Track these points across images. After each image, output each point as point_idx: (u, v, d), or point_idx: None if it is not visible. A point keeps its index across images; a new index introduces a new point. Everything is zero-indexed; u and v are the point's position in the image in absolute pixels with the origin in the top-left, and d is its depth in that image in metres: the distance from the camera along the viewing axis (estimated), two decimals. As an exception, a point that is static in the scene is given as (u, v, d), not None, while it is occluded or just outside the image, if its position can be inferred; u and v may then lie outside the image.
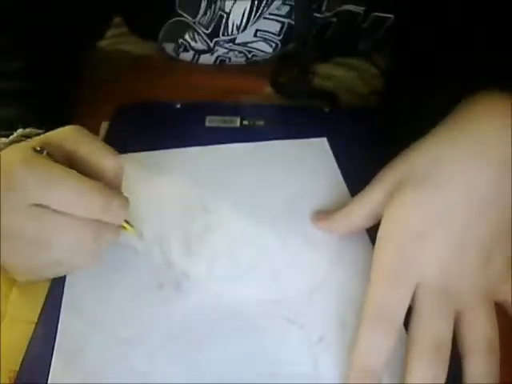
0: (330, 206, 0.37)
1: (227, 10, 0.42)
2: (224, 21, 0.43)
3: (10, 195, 0.28)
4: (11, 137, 0.33)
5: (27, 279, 0.32)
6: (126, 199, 0.31)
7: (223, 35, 0.45)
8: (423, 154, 0.31)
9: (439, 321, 0.28)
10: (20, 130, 0.33)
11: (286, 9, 0.43)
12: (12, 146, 0.31)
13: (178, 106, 0.47)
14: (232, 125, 0.45)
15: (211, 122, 0.45)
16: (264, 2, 0.42)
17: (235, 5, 0.42)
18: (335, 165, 0.42)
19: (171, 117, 0.45)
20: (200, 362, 0.30)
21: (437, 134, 0.32)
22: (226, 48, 0.47)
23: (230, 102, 0.47)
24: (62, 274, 0.33)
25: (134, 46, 0.52)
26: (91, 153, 0.31)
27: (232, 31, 0.44)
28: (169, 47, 0.48)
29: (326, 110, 0.47)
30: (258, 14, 0.43)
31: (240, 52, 0.48)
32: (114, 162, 0.31)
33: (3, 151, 0.30)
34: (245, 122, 0.45)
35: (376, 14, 0.44)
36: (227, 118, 0.45)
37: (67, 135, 0.31)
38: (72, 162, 0.30)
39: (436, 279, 0.29)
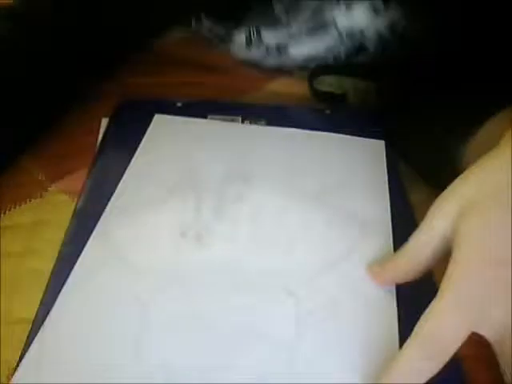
0: (365, 205, 0.38)
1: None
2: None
3: None
4: None
5: None
6: None
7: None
8: (498, 171, 0.28)
9: None
10: None
11: None
12: None
13: (179, 104, 0.46)
14: (233, 125, 0.45)
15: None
16: None
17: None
18: (384, 169, 0.41)
19: (172, 115, 0.45)
20: (197, 307, 0.31)
21: (505, 147, 0.28)
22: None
23: (231, 101, 0.47)
24: None
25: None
26: None
27: None
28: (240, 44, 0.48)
29: (328, 111, 0.47)
30: None
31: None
32: None
33: None
34: (246, 122, 0.45)
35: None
36: (228, 117, 0.45)
37: None
38: None
39: None
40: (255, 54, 0.47)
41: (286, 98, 0.49)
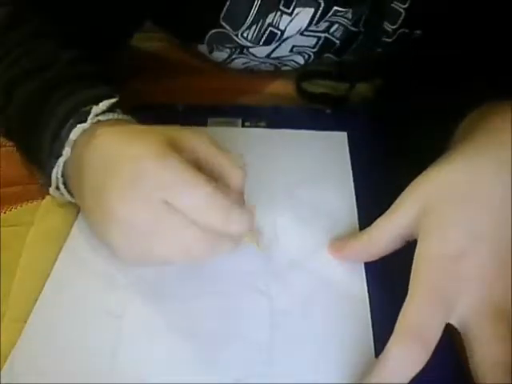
0: (332, 198, 0.38)
1: (282, 27, 0.42)
2: (278, 37, 0.43)
3: (139, 186, 0.28)
4: (90, 118, 0.33)
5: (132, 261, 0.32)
6: (251, 213, 0.31)
7: (275, 43, 0.45)
8: (455, 171, 0.30)
9: (503, 345, 0.27)
10: (95, 108, 0.33)
11: (324, 25, 0.44)
12: (139, 133, 0.32)
13: (180, 108, 0.47)
14: (233, 127, 0.45)
15: (213, 124, 0.45)
16: (326, 17, 0.42)
17: (292, 23, 0.42)
18: (348, 159, 0.42)
19: (173, 119, 0.45)
20: (170, 314, 0.31)
21: (464, 148, 0.31)
22: (258, 61, 0.48)
23: (231, 103, 0.47)
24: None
25: (135, 47, 0.52)
26: (221, 164, 0.32)
27: (285, 39, 0.44)
28: (202, 47, 0.48)
29: (328, 111, 0.47)
30: (313, 28, 0.43)
31: (271, 64, 0.49)
32: (241, 175, 0.32)
33: (130, 139, 0.31)
34: (246, 124, 0.45)
35: (404, 30, 0.44)
36: (229, 119, 0.46)
37: (201, 141, 0.32)
38: (198, 166, 0.30)
39: (482, 299, 0.28)
40: (218, 55, 0.48)
41: (286, 100, 0.49)
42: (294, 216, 0.37)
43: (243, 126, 0.45)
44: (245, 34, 0.43)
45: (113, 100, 0.35)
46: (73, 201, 0.35)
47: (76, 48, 0.37)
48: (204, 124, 0.45)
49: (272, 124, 0.45)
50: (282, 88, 0.50)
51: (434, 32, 0.43)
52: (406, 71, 0.45)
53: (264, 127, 0.45)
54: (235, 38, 0.43)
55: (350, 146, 0.43)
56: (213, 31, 0.43)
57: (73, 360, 0.29)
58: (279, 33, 0.43)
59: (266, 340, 0.30)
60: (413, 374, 0.27)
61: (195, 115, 0.46)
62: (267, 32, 0.43)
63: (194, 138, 0.32)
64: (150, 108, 0.46)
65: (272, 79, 0.51)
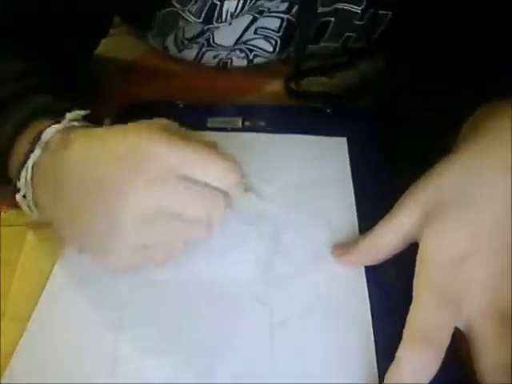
0: (332, 204, 0.38)
1: None
2: (218, 8, 0.42)
3: (149, 170, 0.28)
4: (64, 122, 0.32)
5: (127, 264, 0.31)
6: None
7: (217, 22, 0.44)
8: (456, 174, 0.30)
9: (507, 346, 0.27)
10: (69, 114, 0.32)
11: (284, 5, 0.44)
12: (125, 129, 0.30)
13: (181, 105, 0.47)
14: (234, 126, 0.45)
15: (213, 123, 0.45)
16: None
17: None
18: (347, 165, 0.42)
19: (173, 116, 0.45)
20: (170, 323, 0.31)
21: (465, 150, 0.31)
22: (227, 50, 0.47)
23: (231, 103, 0.47)
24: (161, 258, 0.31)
25: (135, 46, 0.52)
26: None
27: (226, 18, 0.43)
28: (170, 43, 0.47)
29: (328, 110, 0.47)
30: (253, 2, 0.42)
31: (241, 51, 0.48)
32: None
33: (117, 133, 0.29)
34: (246, 123, 0.45)
35: (373, 10, 0.44)
36: (229, 119, 0.45)
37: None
38: None
39: (486, 300, 0.28)
40: (188, 53, 0.48)
41: (285, 99, 0.49)
42: (294, 222, 0.37)
43: (243, 125, 0.45)
44: (191, 9, 0.42)
45: (83, 112, 0.33)
46: (31, 212, 0.33)
47: (38, 59, 0.37)
48: (204, 123, 0.45)
49: (272, 123, 0.45)
50: (281, 87, 0.50)
51: (437, 33, 0.43)
52: (406, 71, 0.45)
53: (264, 126, 0.45)
54: (183, 14, 0.43)
55: (349, 146, 0.43)
56: (163, 11, 0.43)
57: (74, 361, 0.30)
58: (219, 4, 0.42)
59: (265, 349, 0.30)
60: (428, 379, 0.27)
61: (195, 114, 0.45)
62: (209, 3, 0.42)
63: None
64: (150, 105, 0.46)
65: (271, 78, 0.50)
